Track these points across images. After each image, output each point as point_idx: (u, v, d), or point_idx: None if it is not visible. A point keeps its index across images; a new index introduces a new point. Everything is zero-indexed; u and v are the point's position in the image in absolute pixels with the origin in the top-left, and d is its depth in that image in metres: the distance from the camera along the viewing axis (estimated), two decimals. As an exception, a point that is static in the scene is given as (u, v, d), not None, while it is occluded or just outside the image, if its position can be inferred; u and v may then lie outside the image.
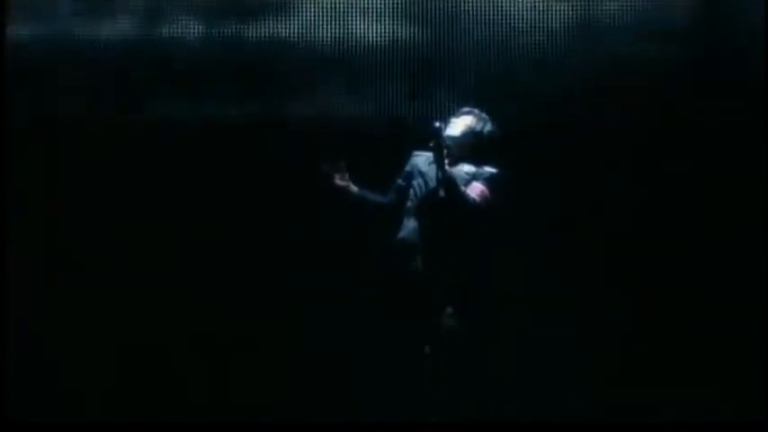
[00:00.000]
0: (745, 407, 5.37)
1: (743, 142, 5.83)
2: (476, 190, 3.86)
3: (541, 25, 5.78)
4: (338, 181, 4.07)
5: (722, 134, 5.87)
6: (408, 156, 4.17)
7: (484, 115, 4.01)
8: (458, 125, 3.92)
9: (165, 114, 6.11)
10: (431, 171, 3.87)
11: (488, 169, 3.96)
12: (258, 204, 5.88)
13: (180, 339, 5.91)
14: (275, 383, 5.72)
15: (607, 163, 5.77)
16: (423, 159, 3.96)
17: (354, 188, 4.10)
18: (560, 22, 5.89)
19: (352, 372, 5.58)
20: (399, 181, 4.09)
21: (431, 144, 3.84)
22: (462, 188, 3.84)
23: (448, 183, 3.81)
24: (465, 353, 4.56)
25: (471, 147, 3.91)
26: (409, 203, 3.99)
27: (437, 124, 3.82)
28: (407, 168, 4.02)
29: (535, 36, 5.81)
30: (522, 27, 5.73)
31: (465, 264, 3.95)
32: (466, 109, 4.05)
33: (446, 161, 3.86)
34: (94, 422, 5.42)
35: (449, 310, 3.96)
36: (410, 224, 3.93)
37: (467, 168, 3.96)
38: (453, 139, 3.88)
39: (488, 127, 3.97)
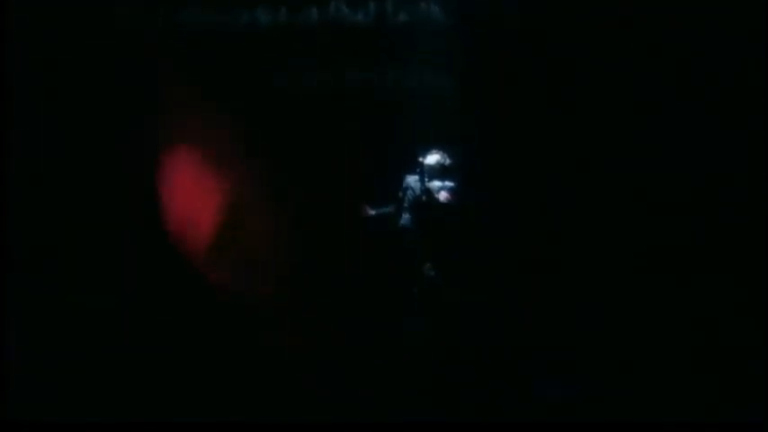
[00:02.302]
0: (745, 407, 5.51)
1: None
2: (443, 196, 6.21)
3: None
4: (365, 213, 6.42)
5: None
6: (404, 179, 6.34)
7: (446, 154, 6.32)
8: (432, 159, 6.28)
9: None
10: (417, 186, 6.27)
11: (449, 183, 6.23)
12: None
13: (180, 340, 6.31)
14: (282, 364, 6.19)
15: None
16: (412, 179, 6.32)
17: (373, 211, 6.46)
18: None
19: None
20: (399, 194, 6.36)
21: (417, 170, 6.24)
22: (435, 195, 6.22)
23: (427, 192, 6.25)
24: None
25: (439, 171, 6.24)
26: (405, 205, 6.34)
27: (420, 159, 6.25)
28: (404, 185, 6.36)
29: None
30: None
31: (438, 238, 6.31)
32: (435, 149, 6.30)
33: (425, 179, 6.22)
34: (94, 422, 5.54)
35: (428, 264, 6.24)
36: (406, 216, 6.34)
37: (437, 183, 6.25)
38: (429, 167, 6.25)
39: (448, 160, 6.40)
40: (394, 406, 5.81)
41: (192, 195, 6.78)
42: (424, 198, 6.21)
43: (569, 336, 6.26)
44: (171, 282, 6.48)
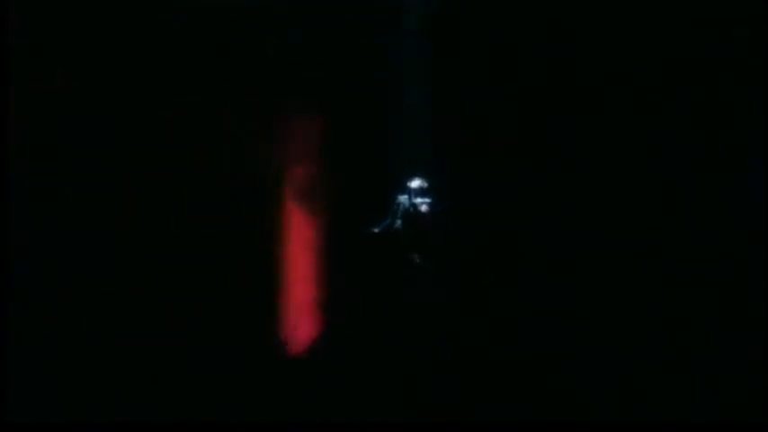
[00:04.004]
0: (746, 407, 5.37)
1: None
2: (423, 208, 8.53)
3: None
4: (371, 230, 8.57)
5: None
6: (396, 197, 8.55)
7: (425, 180, 8.90)
8: (415, 183, 8.61)
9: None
10: (406, 201, 8.59)
11: (427, 200, 8.53)
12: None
13: (181, 338, 6.29)
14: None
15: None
16: (403, 197, 8.58)
17: (377, 229, 8.53)
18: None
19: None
20: (393, 207, 8.56)
21: (406, 191, 8.54)
22: (419, 208, 8.55)
23: (413, 206, 8.61)
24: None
25: (421, 191, 8.59)
26: (398, 216, 8.61)
27: (408, 184, 8.77)
28: (396, 201, 8.61)
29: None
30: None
31: (421, 237, 8.72)
32: (417, 177, 8.62)
33: (412, 197, 8.55)
34: (94, 422, 5.46)
35: (415, 255, 8.61)
36: (398, 223, 8.63)
37: (419, 200, 8.54)
38: (414, 189, 8.58)
39: (426, 184, 8.91)
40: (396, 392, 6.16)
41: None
42: (411, 210, 8.58)
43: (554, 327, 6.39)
44: (171, 281, 6.46)
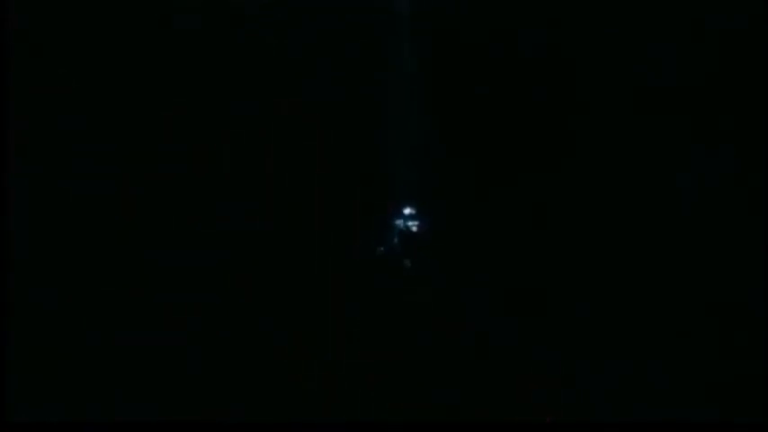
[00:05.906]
0: (746, 407, 5.24)
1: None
2: (414, 228, 9.31)
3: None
4: (378, 251, 9.31)
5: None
6: (393, 220, 9.28)
7: (414, 209, 9.56)
8: (407, 210, 9.39)
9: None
10: (400, 223, 9.36)
11: (417, 222, 9.23)
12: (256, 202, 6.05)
13: (181, 338, 6.10)
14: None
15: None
16: (399, 221, 9.36)
17: (382, 248, 9.45)
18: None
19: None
20: (392, 230, 9.39)
21: (400, 216, 9.30)
22: (410, 228, 9.37)
23: (406, 226, 9.51)
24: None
25: (410, 217, 9.39)
26: (395, 235, 9.37)
27: (402, 210, 9.44)
28: (393, 224, 9.36)
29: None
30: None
31: (411, 248, 9.34)
32: (408, 206, 9.45)
33: (405, 219, 9.39)
34: (94, 422, 5.34)
35: (407, 261, 9.12)
36: (396, 241, 9.35)
37: (411, 223, 9.42)
38: (406, 214, 9.42)
39: (414, 210, 9.52)
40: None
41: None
42: (404, 229, 9.46)
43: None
44: (172, 281, 6.34)
